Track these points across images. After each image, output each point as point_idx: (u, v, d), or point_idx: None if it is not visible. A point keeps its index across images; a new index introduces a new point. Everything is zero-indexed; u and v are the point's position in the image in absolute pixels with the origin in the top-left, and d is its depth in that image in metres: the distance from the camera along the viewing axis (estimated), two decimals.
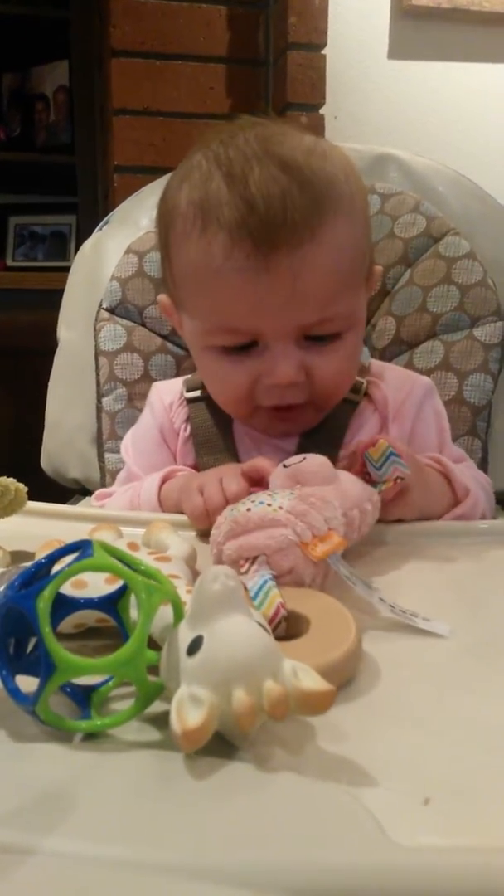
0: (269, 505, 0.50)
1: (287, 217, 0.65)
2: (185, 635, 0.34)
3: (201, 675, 0.32)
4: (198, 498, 0.63)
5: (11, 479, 0.58)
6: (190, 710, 0.31)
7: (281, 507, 0.50)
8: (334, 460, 0.75)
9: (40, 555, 0.47)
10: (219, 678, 0.32)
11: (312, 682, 0.32)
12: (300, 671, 0.33)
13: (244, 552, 0.49)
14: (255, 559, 0.48)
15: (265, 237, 0.65)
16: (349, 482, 0.57)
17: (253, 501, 0.51)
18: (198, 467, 0.78)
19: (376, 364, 0.85)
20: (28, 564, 0.36)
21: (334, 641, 0.40)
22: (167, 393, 0.85)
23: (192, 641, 0.33)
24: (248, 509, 0.50)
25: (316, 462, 0.56)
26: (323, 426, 0.77)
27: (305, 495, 0.51)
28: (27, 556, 0.54)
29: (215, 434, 0.78)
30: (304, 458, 0.56)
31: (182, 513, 0.66)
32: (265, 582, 0.45)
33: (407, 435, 0.78)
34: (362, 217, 0.72)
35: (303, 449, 0.75)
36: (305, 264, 0.66)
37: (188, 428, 0.81)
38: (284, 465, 0.56)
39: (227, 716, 0.31)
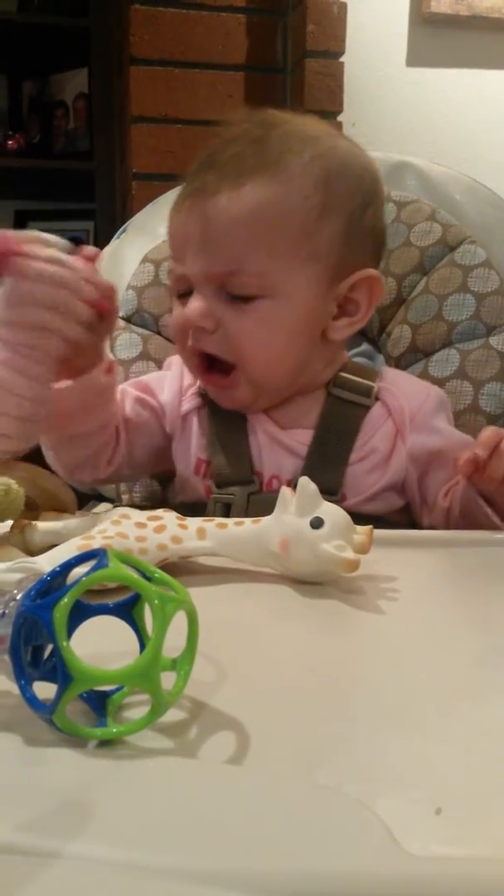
0: None
1: (220, 168, 0.73)
2: (298, 522, 0.53)
3: (334, 535, 0.52)
4: None
5: (13, 481, 0.58)
6: (345, 551, 0.51)
7: None
8: (346, 463, 0.76)
9: None
10: (345, 532, 0.53)
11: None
12: None
13: None
14: None
15: (199, 184, 0.73)
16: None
17: None
18: (210, 462, 0.79)
19: (388, 371, 0.86)
20: (44, 573, 0.37)
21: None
22: (188, 375, 0.84)
23: (313, 521, 0.52)
24: None
25: None
26: (334, 428, 0.77)
27: None
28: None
29: (229, 430, 0.79)
30: None
31: None
32: None
33: (428, 447, 0.78)
34: (311, 194, 0.73)
35: (315, 451, 0.76)
36: (218, 210, 0.71)
37: (197, 420, 0.81)
38: None
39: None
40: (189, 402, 0.82)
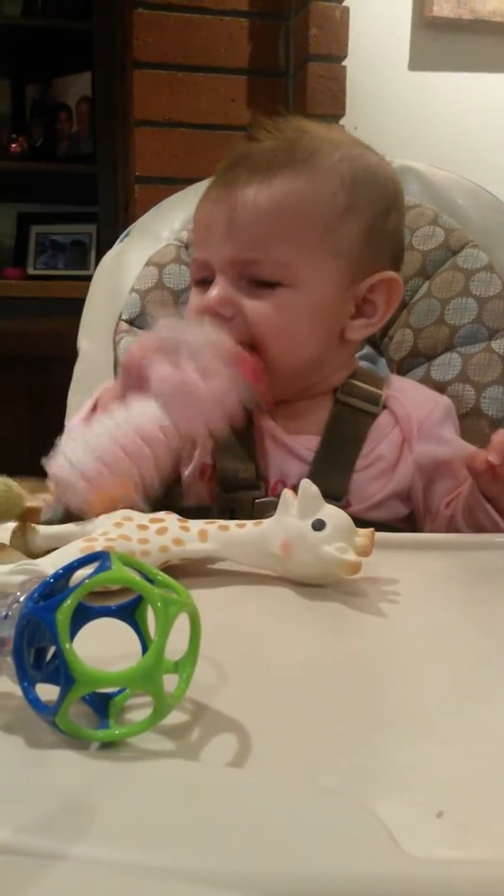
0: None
1: (252, 163, 0.76)
2: (299, 524, 0.53)
3: (336, 537, 0.52)
4: None
5: (13, 482, 0.58)
6: (346, 553, 0.51)
7: None
8: (352, 470, 0.76)
9: None
10: (347, 535, 0.52)
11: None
12: None
13: None
14: None
15: (229, 176, 0.76)
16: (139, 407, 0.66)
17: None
18: (216, 466, 0.78)
19: (396, 379, 0.86)
20: (47, 575, 0.37)
21: None
22: None
23: (314, 523, 0.52)
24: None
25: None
26: (340, 434, 0.78)
27: None
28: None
29: (235, 434, 0.79)
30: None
31: None
32: None
33: (434, 456, 0.78)
34: (337, 191, 0.75)
35: (321, 456, 0.76)
36: (247, 199, 0.74)
37: None
38: None
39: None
40: None
